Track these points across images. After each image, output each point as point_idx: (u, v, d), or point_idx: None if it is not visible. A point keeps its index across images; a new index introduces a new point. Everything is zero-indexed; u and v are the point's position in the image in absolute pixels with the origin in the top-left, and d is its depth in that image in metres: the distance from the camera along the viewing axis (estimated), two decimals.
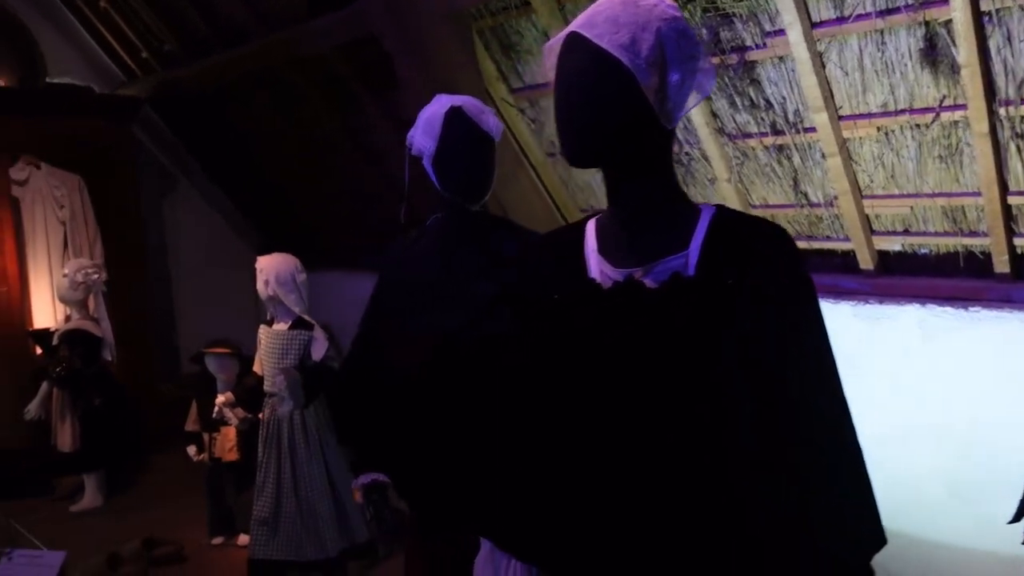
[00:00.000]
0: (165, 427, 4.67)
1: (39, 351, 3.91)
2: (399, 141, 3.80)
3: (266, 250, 5.73)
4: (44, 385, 3.69)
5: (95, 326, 3.82)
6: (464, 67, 2.96)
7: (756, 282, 0.97)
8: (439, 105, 1.57)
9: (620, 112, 0.96)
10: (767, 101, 2.47)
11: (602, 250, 1.07)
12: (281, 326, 2.99)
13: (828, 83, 2.29)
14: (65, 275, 3.75)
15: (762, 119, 2.52)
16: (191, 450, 3.34)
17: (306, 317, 2.99)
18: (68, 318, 3.87)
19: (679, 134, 2.73)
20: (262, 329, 3.05)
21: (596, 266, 1.07)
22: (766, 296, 0.98)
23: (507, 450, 1.12)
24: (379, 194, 4.28)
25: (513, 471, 1.09)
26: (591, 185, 3.34)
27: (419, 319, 1.65)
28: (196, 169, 5.38)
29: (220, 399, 3.04)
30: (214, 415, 3.06)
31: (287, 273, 2.94)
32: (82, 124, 4.27)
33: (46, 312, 4.08)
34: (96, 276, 3.81)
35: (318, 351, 2.95)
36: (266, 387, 3.00)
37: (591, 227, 1.11)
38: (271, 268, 2.92)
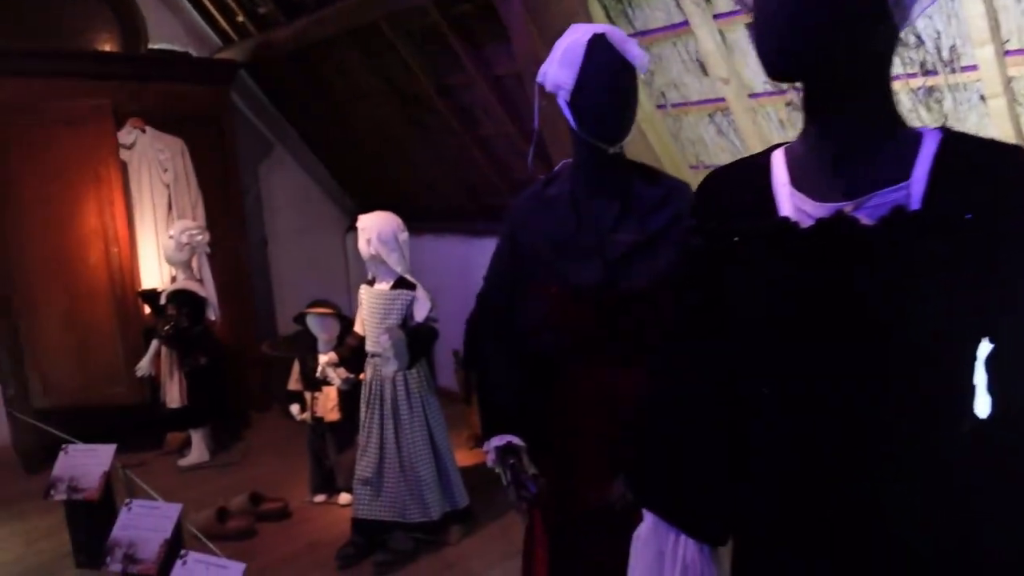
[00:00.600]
0: (265, 386, 4.79)
1: (147, 310, 4.02)
2: (498, 99, 3.70)
3: (359, 213, 5.79)
4: (153, 343, 3.80)
5: (199, 286, 3.90)
6: (574, 14, 2.79)
7: (1001, 216, 0.81)
8: (579, 33, 1.42)
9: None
10: (917, 37, 2.22)
11: (797, 183, 0.92)
12: (383, 286, 2.94)
13: (995, 11, 2.02)
14: (171, 236, 3.82)
15: (910, 59, 2.26)
16: (294, 409, 3.36)
17: (408, 277, 2.94)
18: (174, 279, 3.96)
19: None
20: (363, 289, 3.02)
21: (789, 202, 0.92)
22: (1014, 232, 0.81)
23: (691, 412, 1.00)
24: (473, 156, 4.19)
25: (701, 434, 0.97)
26: (703, 139, 3.14)
27: (549, 274, 1.54)
28: (290, 134, 5.42)
29: (323, 359, 3.04)
30: (317, 375, 3.06)
31: (389, 232, 2.88)
32: (182, 89, 4.33)
33: (152, 273, 4.19)
34: (200, 237, 3.87)
35: (420, 311, 2.89)
36: (368, 347, 2.97)
37: (779, 157, 0.96)
38: (373, 227, 2.87)
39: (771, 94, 2.76)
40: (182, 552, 2.12)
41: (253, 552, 3.03)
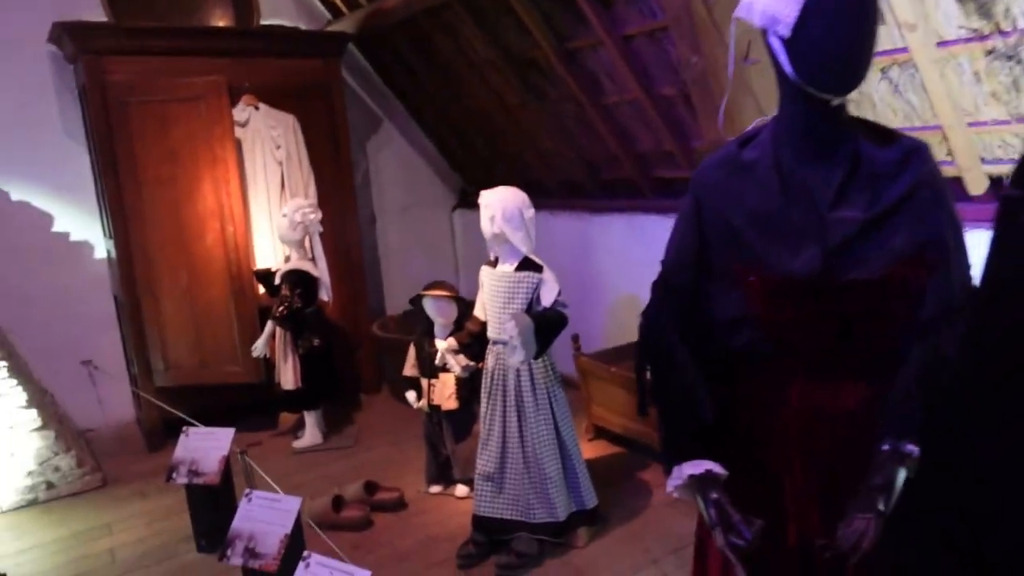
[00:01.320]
0: (375, 368, 4.70)
1: (261, 290, 3.97)
2: (626, 62, 3.37)
3: (467, 190, 5.60)
4: (269, 324, 3.74)
5: (312, 266, 3.80)
6: None
7: None
8: None
9: None
10: None
11: None
12: (506, 267, 2.71)
13: None
14: (284, 215, 3.73)
15: None
16: (410, 396, 3.20)
17: (534, 257, 2.69)
18: (288, 258, 3.88)
19: None
20: (485, 271, 2.79)
21: None
22: None
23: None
24: (595, 127, 3.88)
25: None
26: (870, 99, 2.72)
27: (747, 259, 1.24)
28: (398, 109, 5.28)
29: (442, 345, 2.85)
30: (437, 362, 2.87)
31: (515, 208, 2.64)
32: (294, 64, 4.23)
33: (267, 253, 4.14)
34: (313, 216, 3.77)
35: (548, 295, 2.64)
36: (490, 334, 2.75)
37: None
38: (498, 203, 2.63)
39: (967, 40, 2.32)
40: (305, 554, 1.98)
41: (369, 544, 2.90)
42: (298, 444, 3.91)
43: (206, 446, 2.95)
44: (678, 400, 1.29)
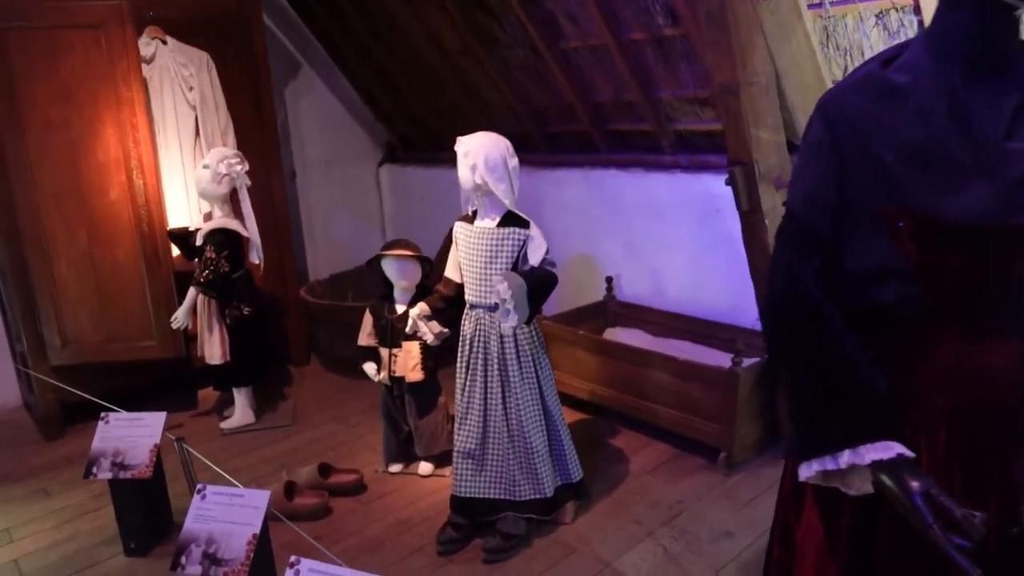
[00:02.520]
0: (304, 338, 4.31)
1: (176, 252, 3.49)
2: (595, 1, 3.12)
3: (395, 145, 5.21)
4: (191, 291, 3.27)
5: (240, 225, 3.36)
6: None
7: None
8: None
9: None
10: None
11: None
12: (487, 223, 2.44)
13: None
14: (206, 166, 3.26)
15: None
16: (369, 368, 2.88)
17: (518, 212, 2.43)
18: (209, 216, 3.42)
19: None
20: (460, 227, 2.51)
21: None
22: None
23: None
24: (549, 75, 3.62)
25: None
26: (860, 47, 2.62)
27: (900, 198, 1.05)
28: (319, 53, 4.79)
29: (415, 312, 2.54)
30: (408, 329, 2.56)
31: (498, 157, 2.36)
32: None
33: (180, 210, 3.63)
34: (240, 167, 3.31)
35: (536, 253, 2.40)
36: (469, 297, 2.48)
37: None
38: (479, 150, 2.34)
39: None
40: (292, 559, 1.67)
41: (334, 534, 2.60)
42: (227, 425, 3.49)
43: (132, 434, 2.53)
44: (838, 370, 1.08)
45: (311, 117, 4.82)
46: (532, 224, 2.42)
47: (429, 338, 2.56)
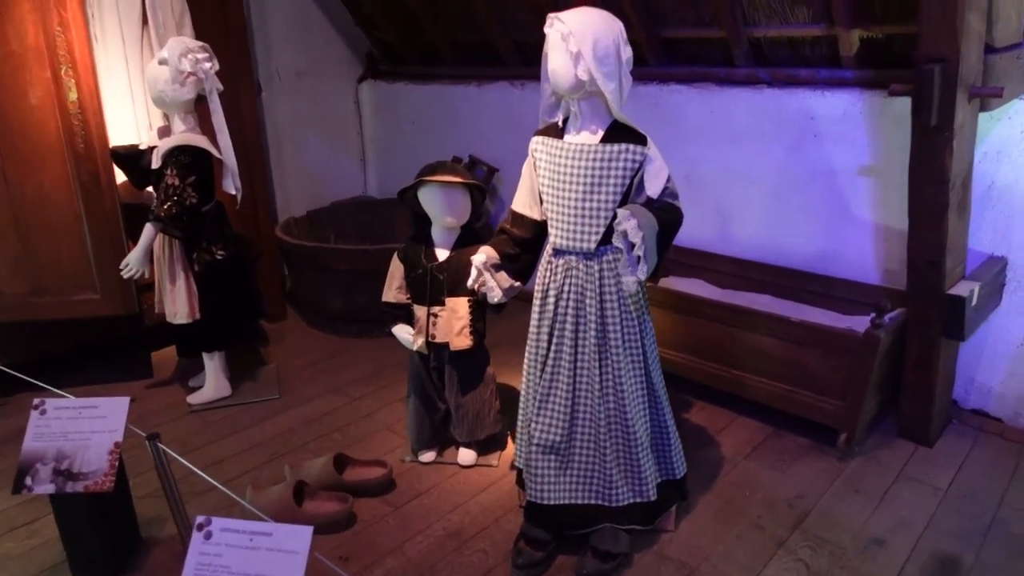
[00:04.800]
0: (280, 287, 3.57)
1: (122, 178, 2.68)
2: None
3: (377, 56, 4.37)
4: (147, 229, 2.49)
5: (209, 143, 2.57)
6: None
7: None
8: None
9: None
10: None
11: None
12: (586, 137, 1.77)
13: None
14: (163, 61, 2.44)
15: None
16: (401, 333, 2.20)
17: (630, 122, 1.76)
18: (166, 130, 2.61)
19: None
20: (543, 144, 1.84)
21: None
22: None
23: None
24: None
25: None
26: None
27: None
28: None
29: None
30: (471, 283, 1.88)
31: (610, 43, 1.68)
32: None
33: (122, 121, 2.80)
34: (209, 64, 2.51)
35: (655, 179, 1.76)
36: (555, 239, 1.83)
37: None
38: (586, 31, 1.66)
39: None
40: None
41: (364, 552, 1.96)
42: (196, 399, 2.77)
43: (81, 429, 1.80)
44: None
45: (279, 18, 3.94)
46: (650, 141, 1.77)
47: (496, 295, 1.89)
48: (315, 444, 2.49)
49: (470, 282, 1.89)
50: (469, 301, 2.14)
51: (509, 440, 2.44)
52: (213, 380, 2.78)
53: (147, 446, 1.74)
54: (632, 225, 1.59)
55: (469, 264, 2.06)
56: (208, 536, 1.37)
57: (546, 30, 1.73)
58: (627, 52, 1.72)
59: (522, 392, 2.01)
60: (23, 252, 2.58)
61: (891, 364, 2.31)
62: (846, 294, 2.66)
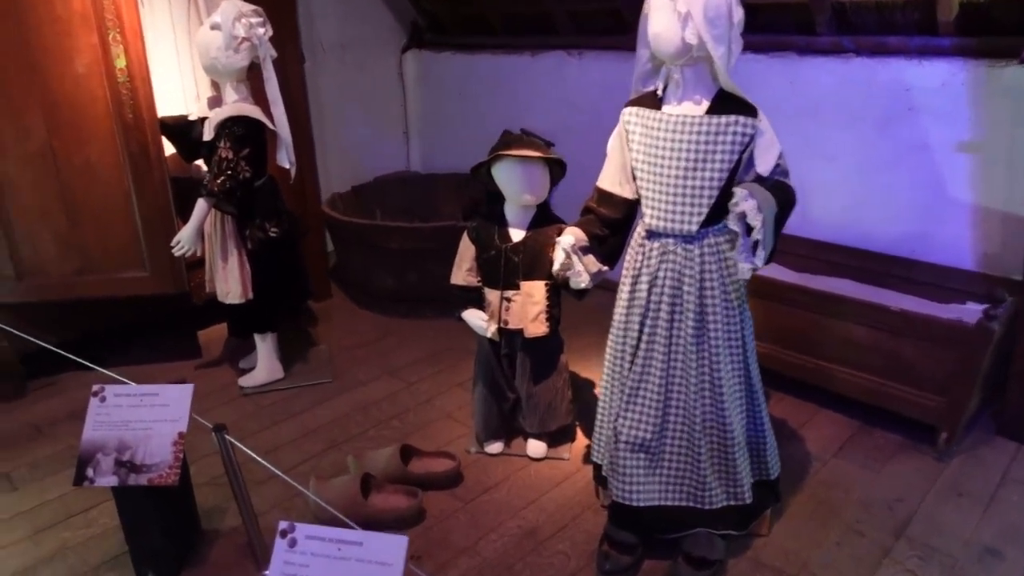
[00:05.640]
0: (325, 265, 3.46)
1: (170, 150, 2.56)
2: None
3: (427, 30, 4.20)
4: (200, 204, 2.37)
5: (261, 112, 2.44)
6: None
7: None
8: None
9: None
10: None
11: None
12: (689, 108, 1.61)
13: None
14: (215, 26, 2.30)
15: None
16: (473, 318, 2.06)
17: (739, 92, 1.60)
18: (217, 100, 2.48)
19: None
20: (638, 115, 1.68)
21: None
22: None
23: None
24: None
25: None
26: None
27: None
28: None
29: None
30: (556, 268, 1.73)
31: (722, 2, 1.51)
32: None
33: (169, 90, 2.67)
34: (263, 30, 2.37)
35: (767, 154, 1.61)
36: (649, 220, 1.68)
37: None
38: None
39: None
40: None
41: (438, 551, 1.84)
42: (248, 381, 2.67)
43: (143, 418, 1.69)
44: None
45: None
46: (760, 113, 1.60)
47: (583, 280, 1.74)
48: (374, 432, 2.38)
49: (555, 267, 1.74)
50: (546, 285, 2.00)
51: (578, 431, 2.32)
52: (266, 362, 2.67)
53: (212, 438, 1.63)
54: (751, 206, 1.43)
55: (546, 245, 1.93)
56: (292, 544, 1.26)
57: None
58: (739, 13, 1.55)
59: (604, 385, 1.87)
60: (69, 230, 2.47)
61: (998, 357, 2.14)
62: (933, 279, 2.48)
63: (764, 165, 1.59)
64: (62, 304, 2.61)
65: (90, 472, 1.65)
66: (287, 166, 2.52)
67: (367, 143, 4.17)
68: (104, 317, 2.79)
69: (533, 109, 3.61)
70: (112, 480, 1.64)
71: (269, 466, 1.54)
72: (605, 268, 1.80)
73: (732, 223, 1.49)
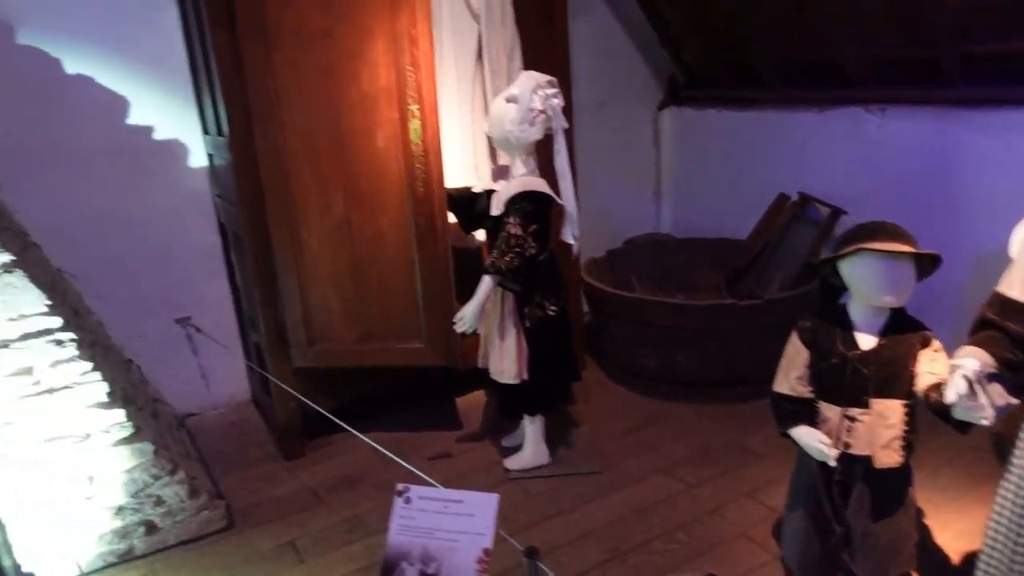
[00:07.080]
0: (582, 336, 3.28)
1: (452, 221, 2.53)
2: None
3: (684, 87, 3.97)
4: (485, 281, 2.28)
5: (548, 187, 2.32)
6: None
7: None
8: None
9: None
10: None
11: None
12: None
13: None
14: (511, 99, 2.23)
15: None
16: (810, 438, 1.71)
17: None
18: (503, 171, 2.41)
19: None
20: None
21: None
22: None
23: None
24: None
25: None
26: None
27: None
28: None
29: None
30: (950, 395, 1.36)
31: None
32: None
33: (452, 161, 2.65)
34: (557, 100, 2.26)
35: None
36: None
37: None
38: None
39: None
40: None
41: None
42: (514, 464, 2.53)
43: (448, 528, 1.56)
44: None
45: (584, 41, 3.69)
46: None
47: (987, 417, 1.36)
48: (659, 544, 2.11)
49: (950, 396, 1.37)
50: (904, 405, 1.63)
51: None
52: (532, 445, 2.52)
53: (524, 563, 1.45)
54: None
55: (907, 356, 1.56)
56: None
57: None
58: None
59: (991, 529, 1.46)
60: (356, 298, 2.50)
61: None
62: None
63: None
64: (336, 371, 2.65)
65: None
66: (571, 241, 2.38)
67: (616, 204, 4.00)
68: (372, 383, 2.81)
69: (819, 170, 3.23)
70: None
71: None
72: (1015, 402, 1.40)
73: None
